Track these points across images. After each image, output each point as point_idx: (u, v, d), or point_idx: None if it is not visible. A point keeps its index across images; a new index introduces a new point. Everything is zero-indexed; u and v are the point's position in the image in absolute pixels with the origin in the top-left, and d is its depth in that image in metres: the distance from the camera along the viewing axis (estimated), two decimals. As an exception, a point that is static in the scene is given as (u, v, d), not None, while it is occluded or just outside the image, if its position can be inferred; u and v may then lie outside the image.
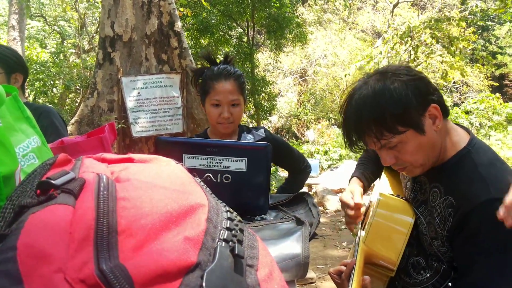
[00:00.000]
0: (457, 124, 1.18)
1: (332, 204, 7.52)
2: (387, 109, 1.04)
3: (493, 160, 1.09)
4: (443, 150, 1.12)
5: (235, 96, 1.60)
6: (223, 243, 0.42)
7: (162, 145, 1.01)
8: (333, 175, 9.91)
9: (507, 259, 1.03)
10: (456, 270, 1.12)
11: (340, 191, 8.49)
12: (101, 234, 0.36)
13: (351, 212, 1.24)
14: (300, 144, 14.83)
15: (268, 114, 11.78)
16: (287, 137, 16.51)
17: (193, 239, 0.41)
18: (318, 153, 12.84)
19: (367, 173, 1.44)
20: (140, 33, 4.63)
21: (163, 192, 0.46)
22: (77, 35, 11.62)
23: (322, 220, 6.44)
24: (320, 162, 11.85)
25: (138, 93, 4.58)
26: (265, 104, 10.70)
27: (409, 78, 1.07)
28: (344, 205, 1.27)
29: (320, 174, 10.56)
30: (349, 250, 1.31)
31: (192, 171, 0.96)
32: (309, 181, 8.99)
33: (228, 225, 0.45)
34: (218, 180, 1.00)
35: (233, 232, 0.44)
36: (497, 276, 1.02)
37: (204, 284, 0.37)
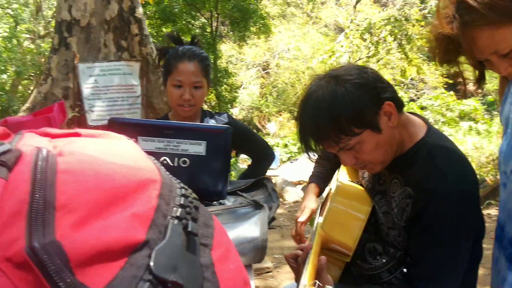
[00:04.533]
0: (414, 114, 1.20)
1: (291, 195, 7.61)
2: (342, 112, 1.05)
3: (450, 149, 1.12)
4: (401, 143, 1.14)
5: (198, 78, 1.56)
6: (176, 220, 0.40)
7: (115, 127, 0.96)
8: (292, 167, 10.03)
9: (459, 250, 1.06)
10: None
11: (299, 183, 8.60)
12: (35, 208, 0.33)
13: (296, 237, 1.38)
14: (262, 136, 14.85)
15: (229, 106, 11.73)
16: (249, 129, 16.49)
17: (142, 216, 0.38)
18: (278, 146, 12.93)
19: (325, 174, 1.47)
20: (99, 18, 4.46)
21: (110, 166, 0.42)
22: (32, 19, 11.08)
23: (280, 211, 6.50)
24: (280, 155, 11.94)
25: (95, 80, 4.42)
26: (227, 95, 10.65)
27: (360, 79, 1.07)
28: (296, 222, 1.39)
29: (279, 166, 10.64)
30: (306, 239, 1.35)
31: (148, 154, 0.93)
32: (269, 173, 9.00)
33: (182, 202, 0.42)
34: (176, 164, 0.97)
35: (187, 209, 0.42)
36: (448, 266, 1.06)
37: (152, 263, 0.34)
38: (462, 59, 1.00)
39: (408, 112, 1.19)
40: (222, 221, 0.86)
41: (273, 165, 9.94)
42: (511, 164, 1.06)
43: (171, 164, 0.96)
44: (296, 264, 1.16)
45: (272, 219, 0.89)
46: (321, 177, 1.44)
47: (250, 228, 0.77)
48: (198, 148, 0.97)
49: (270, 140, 13.31)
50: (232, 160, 9.04)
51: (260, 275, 3.76)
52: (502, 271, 1.13)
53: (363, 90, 1.06)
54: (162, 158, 0.95)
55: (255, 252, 0.75)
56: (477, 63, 1.00)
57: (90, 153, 0.43)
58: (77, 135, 0.52)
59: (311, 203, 1.37)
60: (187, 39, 1.74)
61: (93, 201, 0.37)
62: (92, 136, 0.51)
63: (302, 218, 1.34)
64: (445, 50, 0.94)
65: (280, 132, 15.54)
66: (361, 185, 1.26)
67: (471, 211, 1.08)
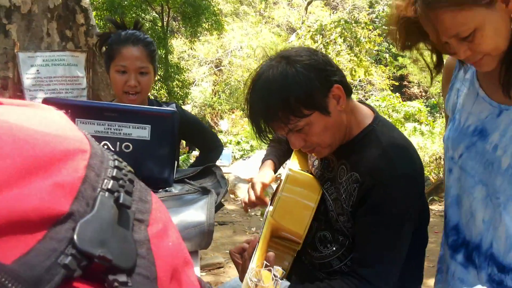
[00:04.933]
0: (361, 102, 1.22)
1: (243, 192, 7.63)
2: (292, 93, 1.04)
3: (396, 137, 1.14)
4: (349, 129, 1.15)
5: (143, 63, 1.48)
6: (107, 193, 0.36)
7: (50, 108, 0.88)
8: (245, 164, 10.07)
9: (401, 234, 1.09)
10: None
11: (251, 180, 8.65)
12: None
13: (253, 198, 1.26)
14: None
15: (182, 102, 11.55)
16: (201, 127, 16.34)
17: (66, 186, 0.34)
18: (230, 143, 12.92)
19: (279, 154, 1.45)
20: (42, 6, 4.22)
21: (32, 134, 0.38)
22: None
23: (232, 207, 6.49)
24: (232, 152, 11.94)
25: (37, 70, 4.19)
26: (179, 91, 10.48)
27: (311, 60, 1.08)
28: (252, 187, 1.28)
29: (232, 163, 10.64)
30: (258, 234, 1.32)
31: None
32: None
33: (114, 174, 0.38)
34: (117, 149, 0.91)
35: (121, 182, 0.38)
36: (389, 250, 1.08)
37: (75, 236, 0.30)
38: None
39: (356, 101, 1.21)
40: (167, 206, 0.82)
41: (225, 162, 9.96)
42: (459, 149, 1.09)
43: (113, 149, 0.90)
44: (242, 260, 1.13)
45: (220, 205, 0.86)
46: (276, 156, 1.42)
47: (196, 213, 0.73)
48: (142, 132, 0.92)
49: (222, 138, 13.26)
50: (184, 156, 8.91)
51: (211, 270, 3.73)
52: (446, 259, 1.17)
53: (313, 72, 1.06)
54: (102, 143, 0.89)
55: (201, 237, 0.72)
56: (435, 48, 1.02)
57: (9, 119, 0.38)
58: (-2, 104, 0.46)
59: (270, 170, 1.32)
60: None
61: (9, 169, 0.32)
62: (14, 105, 0.46)
63: (265, 179, 1.26)
64: (406, 34, 0.94)
65: (233, 129, 15.52)
66: (311, 173, 1.26)
67: (415, 195, 1.10)
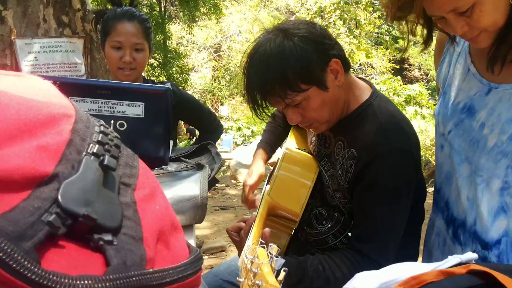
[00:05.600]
0: (359, 78, 1.21)
1: (244, 177, 7.66)
2: (289, 67, 1.03)
3: (393, 112, 1.14)
4: (346, 104, 1.14)
5: (139, 39, 1.48)
6: (92, 157, 0.36)
7: (43, 86, 0.87)
8: (246, 150, 10.07)
9: (399, 209, 1.09)
10: None
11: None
12: None
13: (245, 201, 1.31)
14: (214, 119, 14.75)
15: (182, 89, 11.51)
16: (201, 113, 16.33)
17: (51, 148, 0.34)
18: (231, 129, 12.92)
19: (272, 140, 1.45)
20: (37, -9, 4.18)
21: (16, 99, 0.38)
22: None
23: (234, 192, 6.52)
24: (233, 138, 11.95)
25: (35, 57, 4.17)
26: (178, 77, 10.44)
27: (309, 33, 1.06)
28: (243, 189, 1.32)
29: (233, 149, 10.66)
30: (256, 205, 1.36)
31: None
32: (223, 156, 9.01)
33: (100, 139, 0.38)
34: (112, 128, 0.91)
35: (106, 146, 0.38)
36: (387, 225, 1.08)
37: (59, 196, 0.31)
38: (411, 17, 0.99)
39: (355, 76, 1.20)
40: (160, 181, 0.83)
41: (226, 148, 9.96)
42: (449, 126, 1.09)
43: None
44: (239, 238, 1.14)
45: (214, 180, 0.87)
46: (269, 143, 1.42)
47: (189, 186, 0.74)
48: (135, 110, 0.91)
49: (223, 124, 13.22)
50: (185, 142, 8.92)
51: (213, 254, 3.76)
52: (442, 233, 1.17)
53: (311, 45, 1.04)
54: (97, 121, 0.89)
55: (195, 210, 0.72)
56: (426, 23, 1.00)
57: (-6, 86, 0.38)
58: (-16, 73, 0.46)
59: (259, 167, 1.34)
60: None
61: (-9, 133, 0.32)
62: (1, 74, 0.46)
63: (251, 181, 1.30)
64: (398, 5, 0.92)
65: (233, 115, 15.51)
66: (309, 152, 1.26)
67: (411, 170, 1.10)
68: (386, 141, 1.06)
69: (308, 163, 1.19)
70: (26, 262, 0.25)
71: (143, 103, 0.91)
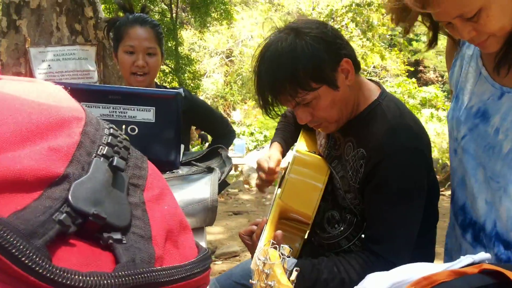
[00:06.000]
0: (368, 79, 1.21)
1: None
2: (300, 66, 1.03)
3: (402, 111, 1.13)
4: (356, 105, 1.14)
5: (151, 44, 1.50)
6: (102, 158, 0.37)
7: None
8: (259, 155, 10.07)
9: (412, 208, 1.07)
10: None
11: (257, 162, 8.66)
12: None
13: (263, 175, 1.24)
14: (227, 124, 14.80)
15: (194, 94, 11.59)
16: (214, 118, 16.38)
17: (61, 150, 0.35)
18: (244, 134, 12.95)
19: (287, 137, 1.44)
20: (50, 0, 4.26)
21: (29, 103, 0.39)
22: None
23: (247, 197, 6.52)
24: (246, 143, 11.97)
25: (49, 65, 4.24)
26: (190, 83, 10.51)
27: (320, 33, 1.06)
28: (259, 168, 1.27)
29: (246, 154, 10.66)
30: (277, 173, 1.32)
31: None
32: (235, 161, 9.03)
33: (109, 141, 0.39)
34: (123, 133, 0.92)
35: (115, 148, 0.39)
36: (401, 225, 1.07)
37: (70, 195, 0.31)
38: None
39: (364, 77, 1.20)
40: (171, 184, 0.84)
41: (239, 153, 9.94)
42: (463, 130, 1.07)
43: (119, 132, 0.91)
44: (251, 241, 1.14)
45: (225, 183, 0.87)
46: (284, 139, 1.40)
47: (199, 189, 0.74)
48: (146, 114, 0.93)
49: (236, 129, 13.26)
50: (198, 147, 8.96)
51: (227, 259, 3.76)
52: (458, 238, 1.16)
53: (323, 44, 1.04)
54: (108, 126, 0.90)
55: (205, 213, 0.73)
56: (432, 25, 0.99)
57: (7, 91, 0.39)
58: (-2, 79, 0.48)
59: (276, 153, 1.31)
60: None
61: (5, 135, 0.33)
62: (14, 80, 0.47)
63: (271, 164, 1.24)
64: (403, 11, 0.91)
65: (246, 120, 15.54)
66: (319, 154, 1.26)
67: (422, 170, 1.09)
68: (395, 141, 1.05)
69: (318, 165, 1.19)
70: (37, 259, 0.26)
71: (154, 108, 0.92)
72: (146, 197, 0.38)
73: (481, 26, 0.88)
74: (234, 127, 13.70)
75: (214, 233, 4.34)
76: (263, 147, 11.56)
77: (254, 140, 12.75)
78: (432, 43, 1.03)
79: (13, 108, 0.36)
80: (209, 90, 16.13)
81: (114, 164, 0.35)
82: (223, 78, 17.38)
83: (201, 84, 12.31)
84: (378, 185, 1.06)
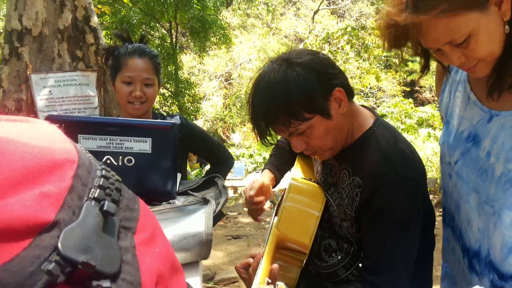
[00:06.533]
0: (362, 106, 1.22)
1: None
2: (292, 96, 1.04)
3: (397, 139, 1.13)
4: (350, 132, 1.15)
5: (149, 75, 1.52)
6: (93, 202, 0.37)
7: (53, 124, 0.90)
8: (258, 177, 10.02)
9: (408, 237, 1.07)
10: None
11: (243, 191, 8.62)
12: None
13: (248, 206, 1.26)
14: (226, 147, 14.84)
15: (193, 118, 11.64)
16: (213, 140, 16.42)
17: (52, 196, 0.35)
18: (243, 156, 12.94)
19: (279, 163, 1.44)
20: (52, 28, 4.32)
21: (21, 146, 0.39)
22: (-18, 31, 10.65)
23: (246, 220, 6.46)
24: (245, 165, 11.95)
25: (50, 91, 4.28)
26: (190, 106, 10.56)
27: (312, 63, 1.08)
28: (244, 197, 1.28)
29: (245, 176, 10.63)
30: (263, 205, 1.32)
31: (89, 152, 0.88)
32: (234, 183, 9.00)
33: (101, 183, 0.39)
34: (120, 163, 0.92)
35: (107, 191, 0.39)
36: (398, 254, 1.06)
37: (59, 243, 0.31)
38: (417, 67, 1.00)
39: (359, 104, 1.21)
40: (166, 218, 0.84)
41: (238, 175, 9.93)
42: (456, 155, 1.08)
43: (116, 164, 0.92)
44: (247, 275, 1.13)
45: (221, 214, 0.87)
46: (275, 165, 1.42)
47: (194, 222, 0.74)
48: (143, 145, 0.93)
49: (235, 151, 13.32)
50: (197, 171, 8.94)
51: (226, 285, 3.71)
52: (461, 262, 1.15)
53: (314, 75, 1.06)
54: (105, 158, 0.91)
55: (200, 247, 0.72)
56: (423, 52, 1.01)
57: (1, 134, 0.40)
58: (-6, 121, 0.48)
59: (259, 179, 1.32)
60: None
61: (-3, 182, 0.33)
62: (10, 120, 0.47)
63: (252, 192, 1.26)
64: (395, 39, 0.92)
65: (245, 142, 15.55)
66: (316, 181, 1.26)
67: (418, 197, 1.09)
68: (391, 170, 1.05)
69: (315, 193, 1.19)
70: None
71: (150, 139, 0.93)
72: (137, 240, 0.38)
73: (470, 52, 0.90)
74: (233, 149, 13.70)
75: (213, 258, 4.29)
76: (262, 169, 11.52)
77: (253, 162, 12.75)
78: (425, 69, 1.05)
79: (6, 152, 0.36)
80: (208, 112, 16.21)
81: (105, 209, 0.35)
82: (222, 100, 17.50)
83: (200, 107, 12.39)
84: (374, 214, 1.06)
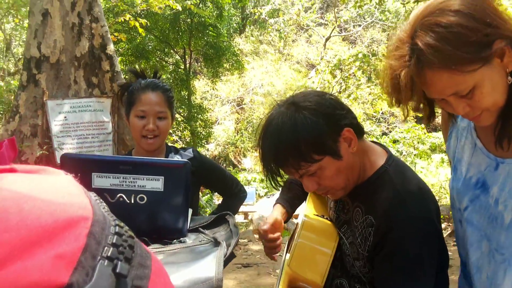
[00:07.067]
0: (374, 142, 1.21)
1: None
2: (302, 139, 1.05)
3: (410, 178, 1.12)
4: (362, 170, 1.14)
5: (162, 108, 1.55)
6: (106, 261, 0.37)
7: (68, 163, 0.92)
8: (269, 202, 9.94)
9: (423, 278, 1.05)
10: None
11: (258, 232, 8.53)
12: None
13: (263, 241, 1.27)
14: (237, 172, 14.85)
15: (205, 142, 11.71)
16: (224, 165, 16.46)
17: (66, 257, 0.36)
18: (254, 181, 12.91)
19: (291, 197, 1.44)
20: (69, 55, 4.43)
21: (38, 203, 0.40)
22: (1, 56, 10.97)
23: (256, 248, 6.39)
24: (256, 190, 11.90)
25: (65, 117, 4.35)
26: (202, 131, 10.64)
27: (319, 106, 1.08)
28: (259, 235, 1.29)
29: (256, 201, 10.57)
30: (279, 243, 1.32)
31: (102, 192, 0.89)
32: (245, 208, 8.95)
33: (114, 241, 0.40)
34: (132, 201, 0.93)
35: (120, 248, 0.39)
36: None
37: (73, 308, 0.32)
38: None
39: (370, 141, 1.20)
40: (178, 260, 0.83)
41: (249, 201, 9.90)
42: (465, 201, 1.07)
43: (128, 202, 0.93)
44: None
45: (232, 256, 0.86)
46: (286, 199, 1.41)
47: (205, 267, 0.73)
48: (155, 184, 0.94)
49: (246, 175, 13.31)
50: (207, 196, 8.93)
51: (235, 315, 3.65)
52: None
53: (322, 117, 1.06)
54: (118, 195, 0.92)
55: (210, 292, 0.72)
56: (427, 102, 1.02)
57: (18, 189, 0.41)
58: (13, 170, 0.49)
59: (273, 215, 1.32)
60: (162, 76, 1.74)
61: (15, 241, 0.34)
62: (28, 172, 0.48)
63: (265, 227, 1.27)
64: (399, 91, 0.93)
65: (256, 167, 15.53)
66: (329, 218, 1.25)
67: (432, 238, 1.07)
68: (404, 210, 1.04)
69: (327, 231, 1.17)
70: None
71: (163, 177, 0.94)
72: (149, 299, 0.38)
73: (475, 102, 0.90)
74: (245, 174, 13.64)
75: (224, 287, 4.23)
76: (273, 194, 11.48)
77: (264, 186, 12.70)
78: (430, 117, 1.05)
79: (24, 210, 0.37)
80: (220, 137, 16.30)
81: (117, 271, 0.35)
82: (234, 125, 17.60)
83: (212, 132, 12.47)
84: (387, 254, 1.04)
